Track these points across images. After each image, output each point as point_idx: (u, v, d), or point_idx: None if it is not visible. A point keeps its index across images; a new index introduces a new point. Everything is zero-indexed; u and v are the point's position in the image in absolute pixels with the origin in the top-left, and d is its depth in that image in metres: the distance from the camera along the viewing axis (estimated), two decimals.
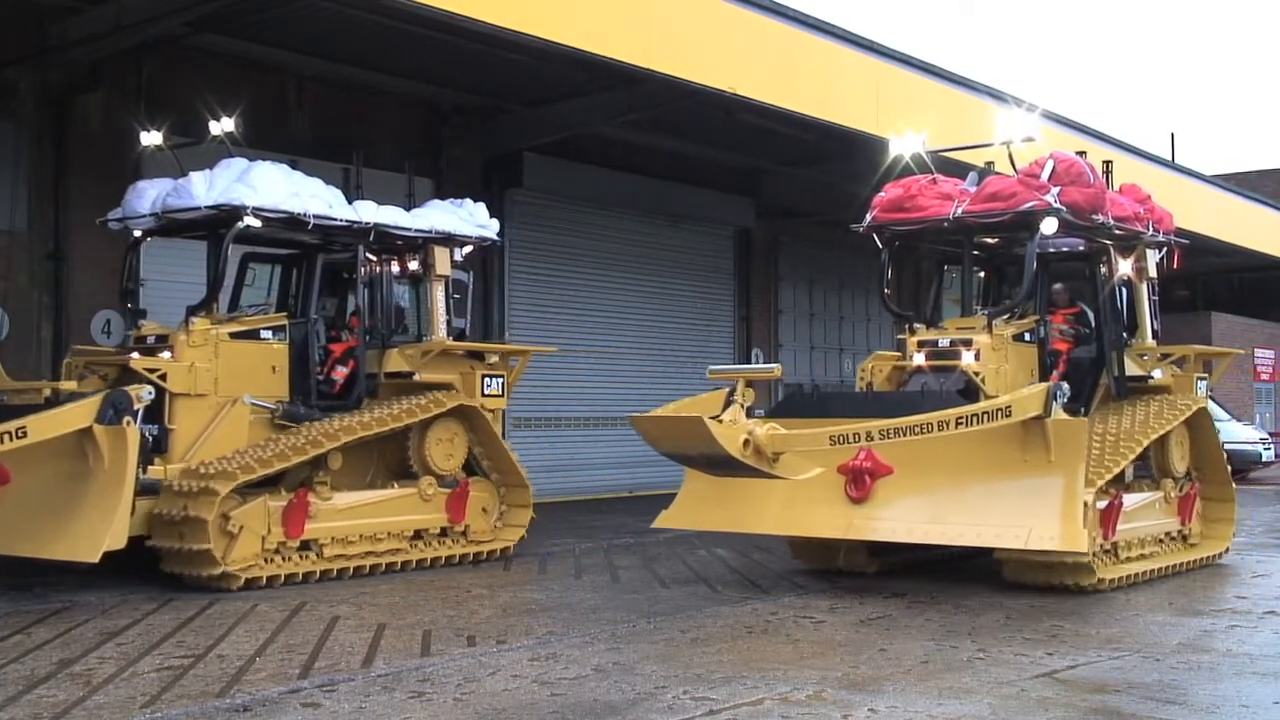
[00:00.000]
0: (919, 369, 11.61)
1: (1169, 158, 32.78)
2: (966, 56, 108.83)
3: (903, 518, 10.18)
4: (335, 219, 12.19)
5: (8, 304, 14.66)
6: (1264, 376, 37.78)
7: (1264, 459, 28.73)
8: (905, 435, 9.53)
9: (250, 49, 16.24)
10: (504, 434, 19.45)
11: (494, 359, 13.28)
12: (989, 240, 12.68)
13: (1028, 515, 9.72)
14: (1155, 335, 13.31)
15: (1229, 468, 13.33)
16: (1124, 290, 13.01)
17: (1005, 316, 11.88)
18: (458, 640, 8.58)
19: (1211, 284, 39.51)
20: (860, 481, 10.25)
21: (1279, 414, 38.37)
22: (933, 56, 23.02)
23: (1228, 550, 13.00)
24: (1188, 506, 12.61)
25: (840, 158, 20.24)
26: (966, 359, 11.26)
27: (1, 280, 14.63)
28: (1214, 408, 30.61)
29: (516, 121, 19.62)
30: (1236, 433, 28.34)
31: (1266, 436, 29.87)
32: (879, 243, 12.32)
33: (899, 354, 12.19)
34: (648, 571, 12.10)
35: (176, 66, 15.81)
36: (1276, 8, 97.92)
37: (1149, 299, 13.27)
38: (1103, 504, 10.77)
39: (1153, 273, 13.30)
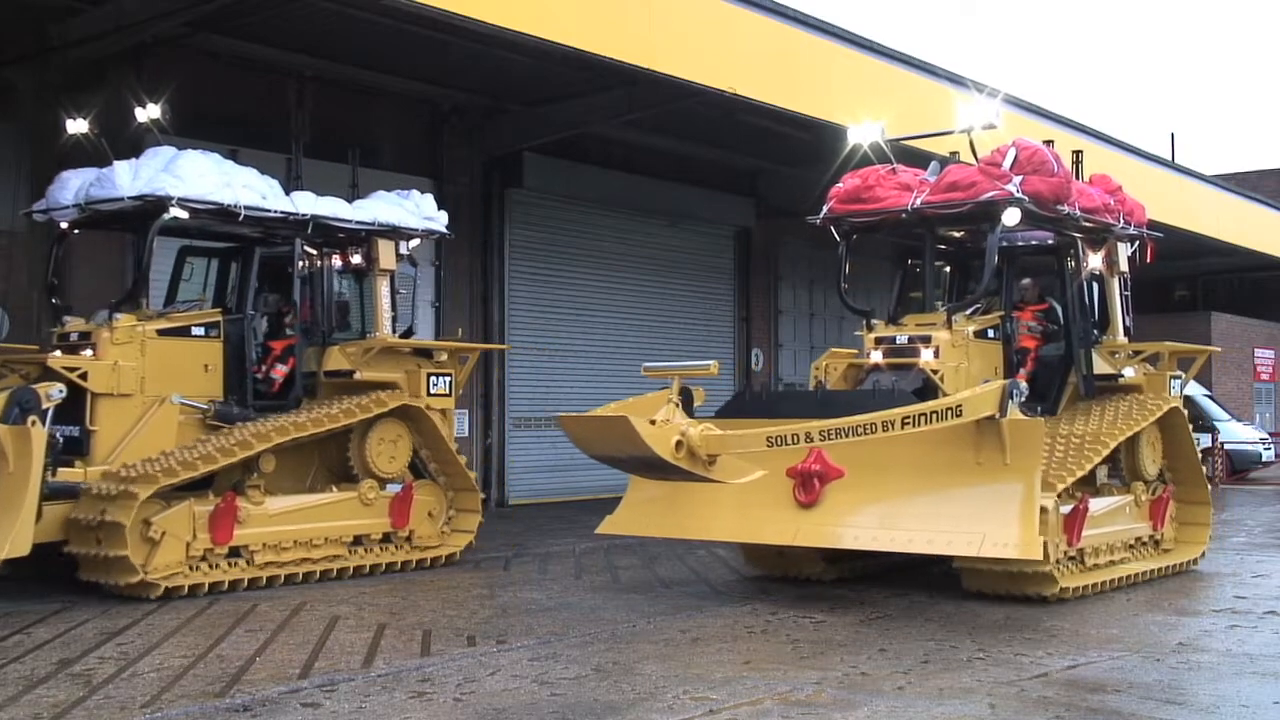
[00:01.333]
0: (876, 367, 11.19)
1: (1169, 158, 32.77)
2: (967, 57, 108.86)
3: (853, 523, 9.72)
4: (269, 210, 11.73)
5: (8, 304, 14.64)
6: (1264, 376, 37.77)
7: (1264, 459, 28.74)
8: (848, 436, 9.03)
9: (250, 49, 16.23)
10: (499, 433, 19.66)
11: (442, 357, 12.83)
12: (954, 233, 12.34)
13: (981, 521, 9.19)
14: (1127, 332, 12.88)
15: (1204, 470, 12.86)
16: (1094, 285, 12.62)
17: (967, 312, 11.47)
18: (458, 640, 8.58)
19: (1211, 284, 39.52)
20: (809, 485, 9.77)
21: (1279, 414, 38.35)
22: (933, 57, 22.99)
23: (1203, 556, 12.59)
24: (1160, 510, 12.15)
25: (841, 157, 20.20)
26: (925, 356, 10.84)
27: (1, 280, 14.63)
28: (1214, 408, 30.91)
29: (516, 121, 19.62)
30: (1236, 433, 28.38)
31: (1266, 436, 29.89)
32: (836, 235, 11.94)
33: (855, 352, 11.82)
34: (648, 571, 12.10)
35: (176, 66, 15.79)
36: (1276, 8, 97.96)
37: (1121, 294, 12.79)
38: (1067, 509, 10.43)
39: (1124, 267, 12.82)
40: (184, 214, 11.15)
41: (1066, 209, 11.49)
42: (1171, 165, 29.84)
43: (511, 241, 20.15)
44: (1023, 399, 9.58)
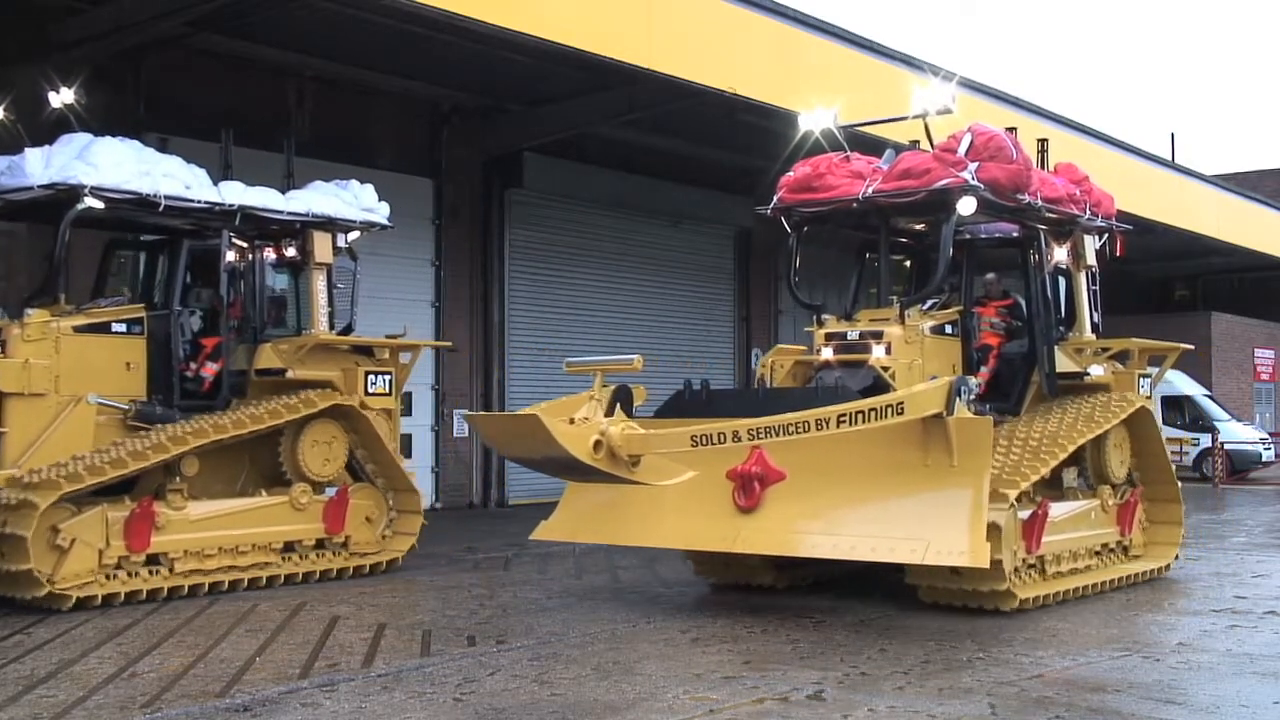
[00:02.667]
0: (826, 364, 10.57)
1: (1169, 158, 32.78)
2: (967, 57, 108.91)
3: (794, 529, 9.11)
4: (192, 201, 11.10)
5: (8, 304, 14.63)
6: (1264, 376, 37.78)
7: (1264, 459, 28.76)
8: (779, 435, 8.51)
9: (250, 49, 16.26)
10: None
11: (384, 354, 12.29)
12: (914, 225, 11.73)
13: (926, 526, 8.61)
14: (1096, 329, 12.26)
15: (1175, 472, 12.26)
16: (1061, 280, 12.03)
17: (924, 306, 10.95)
18: (458, 640, 8.58)
19: (1211, 284, 39.54)
20: (749, 489, 9.14)
21: (1279, 414, 38.37)
22: (933, 57, 22.94)
23: (1175, 562, 12.06)
24: (1128, 515, 11.54)
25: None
26: (877, 353, 10.25)
27: (1, 280, 14.62)
28: (1214, 408, 30.90)
29: (516, 121, 19.64)
30: (1236, 433, 28.40)
31: (1266, 436, 29.92)
32: (787, 226, 11.39)
33: (804, 348, 11.33)
34: (648, 571, 12.10)
35: (176, 66, 15.81)
36: (1277, 8, 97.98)
37: (1088, 289, 12.17)
38: (1025, 514, 9.86)
39: (1092, 260, 12.18)
40: (99, 204, 10.56)
41: (1027, 198, 10.89)
42: (1171, 165, 29.87)
43: (511, 241, 20.17)
44: (972, 396, 8.97)
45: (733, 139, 21.01)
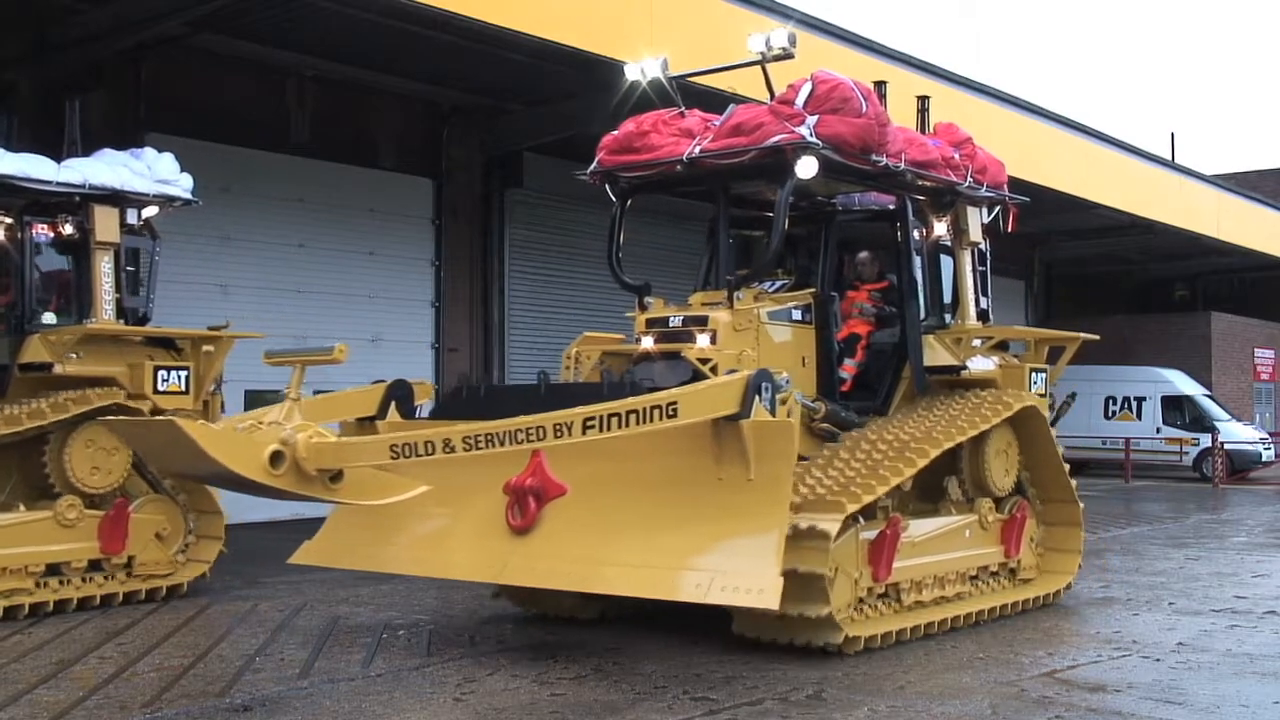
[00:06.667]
0: (647, 355, 9.07)
1: (1169, 158, 32.79)
2: (967, 57, 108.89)
3: (569, 555, 7.51)
4: None
5: None
6: (1264, 376, 37.79)
7: (1264, 459, 28.77)
8: (503, 443, 6.92)
9: (250, 49, 16.24)
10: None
11: (184, 345, 10.74)
12: (766, 193, 9.76)
13: (713, 555, 7.15)
14: (984, 316, 10.67)
15: (1073, 483, 10.43)
16: (943, 258, 10.38)
17: (771, 287, 9.63)
18: (458, 640, 8.57)
19: (1211, 284, 39.55)
20: (524, 505, 7.63)
21: (1279, 414, 38.38)
22: (933, 57, 22.89)
23: (1069, 587, 10.34)
24: (1013, 533, 9.80)
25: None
26: (701, 342, 8.70)
27: None
28: (1214, 408, 30.92)
29: (516, 121, 19.62)
30: (1236, 433, 28.41)
31: (1266, 436, 29.92)
32: (611, 194, 10.01)
33: (617, 337, 10.06)
34: None
35: (176, 66, 15.81)
36: (1277, 8, 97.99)
37: (974, 269, 10.56)
38: (870, 534, 8.29)
39: (977, 236, 10.50)
40: None
41: (884, 160, 9.20)
42: (1171, 165, 29.86)
43: (511, 241, 20.16)
44: (782, 393, 7.57)
45: None
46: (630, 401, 7.09)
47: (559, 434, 6.95)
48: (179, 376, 10.52)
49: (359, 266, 18.12)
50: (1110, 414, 29.49)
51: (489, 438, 6.89)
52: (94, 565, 9.90)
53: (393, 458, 6.97)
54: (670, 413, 7.06)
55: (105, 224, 10.45)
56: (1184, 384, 30.04)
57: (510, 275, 20.14)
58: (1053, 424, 10.45)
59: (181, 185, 11.05)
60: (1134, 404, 29.51)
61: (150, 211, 10.88)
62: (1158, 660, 8.07)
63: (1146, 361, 30.76)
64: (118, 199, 10.54)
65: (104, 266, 10.45)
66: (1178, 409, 29.35)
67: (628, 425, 6.97)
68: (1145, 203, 26.56)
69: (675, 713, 6.60)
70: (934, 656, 8.09)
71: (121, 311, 10.61)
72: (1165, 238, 29.26)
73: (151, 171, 10.86)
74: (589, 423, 6.95)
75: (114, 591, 9.93)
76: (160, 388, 10.39)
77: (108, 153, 10.88)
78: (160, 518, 10.30)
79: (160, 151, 11.04)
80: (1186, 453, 28.76)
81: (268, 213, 17.06)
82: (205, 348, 10.80)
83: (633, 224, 10.40)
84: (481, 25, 13.60)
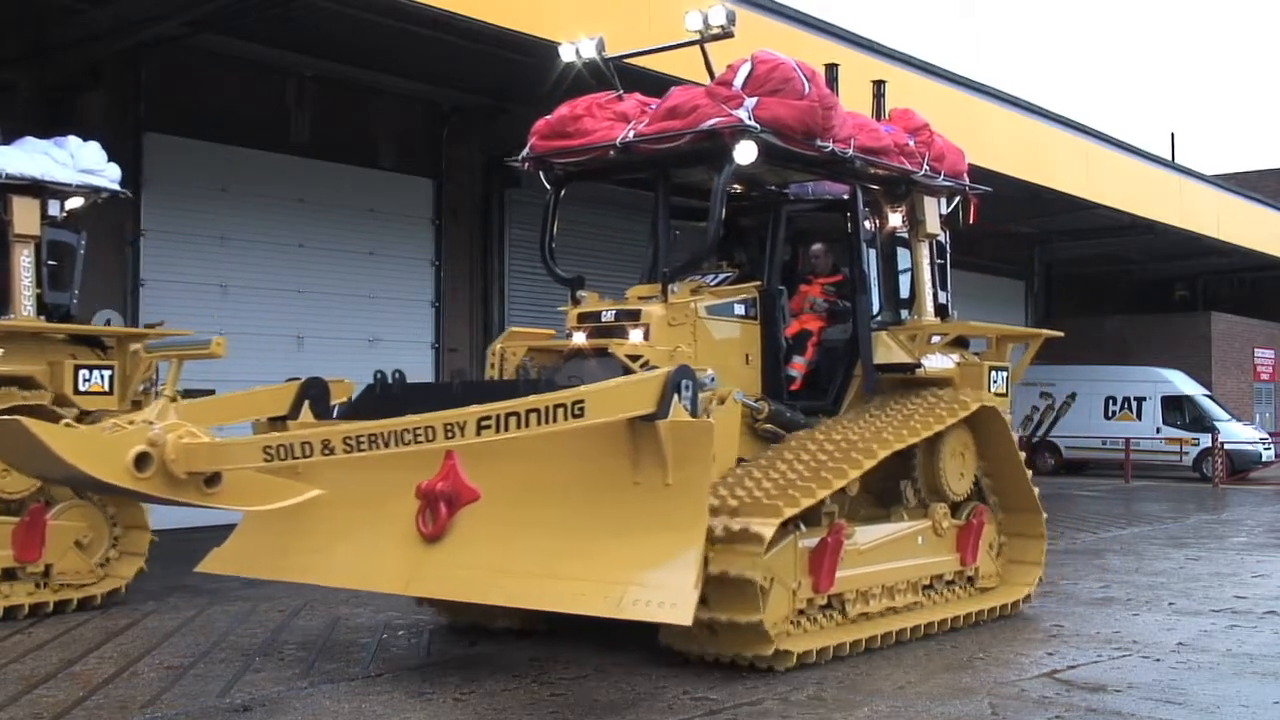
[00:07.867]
0: (578, 351, 8.60)
1: (1169, 158, 32.80)
2: (967, 57, 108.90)
3: (479, 564, 7.00)
4: None
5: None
6: (1264, 376, 37.81)
7: (1264, 459, 28.79)
8: (388, 444, 6.43)
9: (250, 49, 16.24)
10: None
11: (110, 343, 10.32)
12: (709, 183, 9.02)
13: (625, 566, 6.64)
14: (943, 311, 10.16)
15: (1035, 489, 9.90)
16: (899, 251, 9.97)
17: (713, 280, 9.17)
18: (458, 640, 8.57)
19: (1211, 284, 39.56)
20: (435, 511, 7.04)
21: (1279, 414, 38.39)
22: (933, 57, 22.86)
23: (1028, 598, 9.81)
24: (969, 540, 9.29)
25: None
26: (634, 337, 8.30)
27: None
28: (1214, 408, 30.94)
29: (516, 121, 19.56)
30: (1236, 433, 28.43)
31: (1266, 436, 29.94)
32: (545, 182, 9.55)
33: (546, 332, 9.63)
34: None
35: (176, 66, 15.81)
36: (1277, 8, 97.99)
37: (932, 263, 10.05)
38: (811, 542, 7.83)
39: (934, 228, 10.02)
40: None
41: (830, 145, 8.73)
42: (1171, 165, 29.86)
43: (511, 241, 20.15)
44: (705, 391, 7.30)
45: None
46: (531, 400, 6.58)
47: (450, 435, 6.46)
48: (102, 376, 9.99)
49: (359, 266, 18.11)
50: (1110, 414, 29.49)
51: (372, 438, 6.43)
52: (8, 574, 9.37)
53: (266, 460, 6.55)
54: (576, 412, 6.59)
55: (24, 216, 9.98)
56: (1184, 384, 30.06)
57: (510, 275, 20.14)
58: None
59: (108, 176, 10.57)
60: (1134, 404, 29.52)
61: (75, 203, 10.39)
62: (1158, 660, 8.07)
63: (1146, 361, 30.78)
64: (38, 189, 10.04)
65: (23, 260, 9.98)
66: (1178, 409, 29.37)
67: (528, 425, 6.49)
68: (1145, 203, 26.54)
69: (675, 713, 6.60)
70: (934, 656, 8.09)
71: (43, 308, 10.14)
72: (1165, 238, 29.25)
73: (75, 160, 10.36)
74: (484, 422, 6.45)
75: (28, 602, 9.38)
76: (82, 387, 9.88)
77: (28, 141, 10.45)
78: (82, 525, 9.76)
79: (86, 140, 10.55)
80: (1186, 453, 28.79)
81: (267, 213, 17.04)
82: (133, 346, 10.29)
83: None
84: (482, 25, 13.60)
